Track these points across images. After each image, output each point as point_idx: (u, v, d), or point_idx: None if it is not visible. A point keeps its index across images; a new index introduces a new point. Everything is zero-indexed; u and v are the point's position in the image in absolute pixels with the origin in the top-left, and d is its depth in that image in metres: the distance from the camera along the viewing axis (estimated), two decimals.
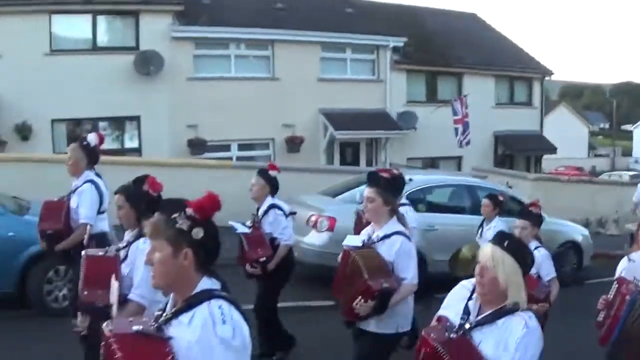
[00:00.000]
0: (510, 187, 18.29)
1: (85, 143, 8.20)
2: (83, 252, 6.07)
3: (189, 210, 3.28)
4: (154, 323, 3.24)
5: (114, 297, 5.27)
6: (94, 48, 23.42)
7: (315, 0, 28.86)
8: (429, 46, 30.58)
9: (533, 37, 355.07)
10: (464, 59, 31.30)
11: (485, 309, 4.17)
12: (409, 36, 29.04)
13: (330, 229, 12.61)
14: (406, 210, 8.65)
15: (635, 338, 6.20)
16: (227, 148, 25.62)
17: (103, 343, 3.19)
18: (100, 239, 7.69)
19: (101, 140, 8.47)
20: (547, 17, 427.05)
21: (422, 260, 12.45)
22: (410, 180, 13.28)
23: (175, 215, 3.27)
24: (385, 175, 6.53)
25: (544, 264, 8.14)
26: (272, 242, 8.76)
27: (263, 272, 8.68)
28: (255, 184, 8.92)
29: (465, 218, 13.27)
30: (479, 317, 4.16)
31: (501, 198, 11.00)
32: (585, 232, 16.67)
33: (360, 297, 5.98)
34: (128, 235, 5.96)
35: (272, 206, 8.84)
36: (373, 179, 6.47)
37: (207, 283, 3.30)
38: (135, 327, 3.19)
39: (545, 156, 37.23)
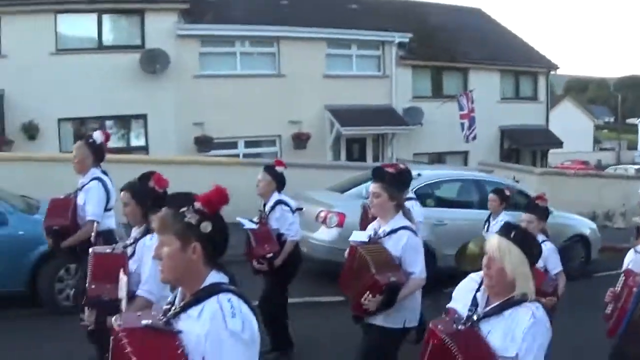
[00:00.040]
0: (517, 181, 18.28)
1: (91, 141, 8.19)
2: (90, 250, 6.09)
3: (197, 204, 3.29)
4: (162, 317, 3.25)
5: (123, 292, 5.28)
6: (100, 47, 23.46)
7: None
8: (434, 41, 30.53)
9: (537, 31, 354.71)
10: (469, 54, 31.21)
11: (493, 300, 4.17)
12: (414, 32, 28.99)
13: (340, 224, 12.62)
14: (412, 205, 8.64)
15: None
16: (233, 145, 25.61)
17: (112, 337, 3.20)
18: (107, 236, 7.72)
19: (107, 137, 8.46)
20: (551, 12, 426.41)
21: (431, 255, 12.57)
22: (419, 175, 13.32)
23: (184, 209, 3.28)
24: (390, 170, 6.54)
25: (550, 257, 8.13)
26: (278, 238, 8.77)
27: (270, 268, 8.68)
28: (261, 180, 8.93)
29: (473, 212, 13.25)
30: (487, 309, 4.16)
31: (507, 193, 10.99)
32: (593, 225, 16.64)
33: (368, 292, 5.99)
34: (135, 232, 5.97)
35: (279, 202, 8.84)
36: (378, 174, 6.49)
37: (215, 277, 3.31)
38: (144, 321, 3.21)
39: (551, 150, 37.14)
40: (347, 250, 6.59)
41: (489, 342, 4.03)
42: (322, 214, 12.99)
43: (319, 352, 9.41)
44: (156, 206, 3.65)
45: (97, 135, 8.26)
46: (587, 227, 16.19)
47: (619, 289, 6.54)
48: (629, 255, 6.91)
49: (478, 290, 4.29)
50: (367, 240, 6.42)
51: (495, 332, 4.05)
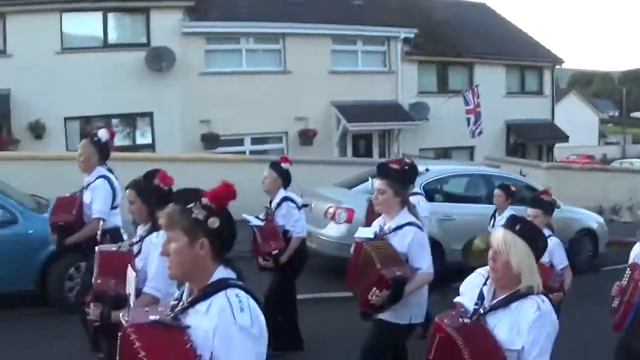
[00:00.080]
0: (523, 175, 18.28)
1: (96, 139, 8.19)
2: (96, 248, 6.08)
3: (205, 200, 3.29)
4: (170, 313, 3.25)
5: (131, 288, 5.31)
6: (105, 45, 23.50)
7: None
8: (440, 37, 30.53)
9: (541, 25, 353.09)
10: (475, 48, 31.23)
11: (500, 294, 4.17)
12: (420, 27, 28.99)
13: (349, 220, 12.61)
14: (418, 200, 8.68)
15: None
16: (240, 142, 25.63)
17: (120, 333, 3.20)
18: (114, 234, 7.74)
19: (112, 135, 8.48)
20: (554, 5, 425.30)
21: (439, 250, 12.60)
22: (427, 170, 13.36)
23: (191, 205, 3.28)
24: (395, 166, 6.56)
25: (556, 252, 8.11)
26: (284, 235, 8.78)
27: (275, 265, 8.70)
28: (267, 176, 8.93)
29: (481, 207, 13.24)
30: (493, 302, 4.16)
31: (513, 188, 11.00)
32: (600, 219, 16.65)
33: (374, 288, 6.01)
34: (141, 230, 5.96)
35: (285, 199, 8.84)
36: (383, 171, 6.51)
37: (223, 272, 3.31)
38: (152, 317, 3.21)
39: (556, 145, 37.12)
40: (353, 247, 6.60)
41: (495, 335, 4.03)
42: (331, 210, 13.01)
43: (327, 347, 9.40)
44: (162, 203, 3.62)
45: (102, 134, 8.25)
46: (594, 221, 16.21)
47: (625, 282, 6.53)
48: (635, 249, 6.89)
49: (485, 284, 4.29)
50: (372, 236, 6.43)
51: (501, 326, 4.05)
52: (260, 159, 18.30)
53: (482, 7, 37.08)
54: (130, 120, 24.21)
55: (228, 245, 3.39)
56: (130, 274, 5.35)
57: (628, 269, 6.61)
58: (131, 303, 5.21)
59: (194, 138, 23.86)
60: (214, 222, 3.26)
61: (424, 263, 6.24)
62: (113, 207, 8.09)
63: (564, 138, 35.39)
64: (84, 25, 23.52)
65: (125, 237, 7.90)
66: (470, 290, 4.39)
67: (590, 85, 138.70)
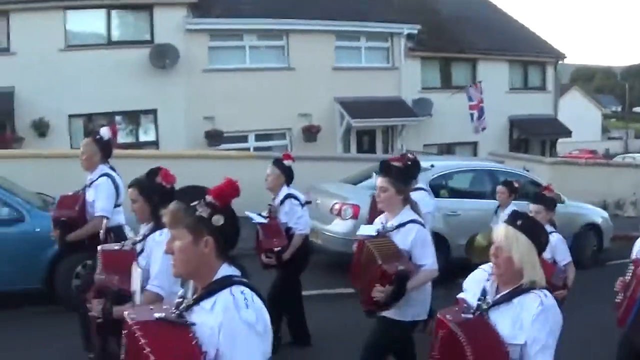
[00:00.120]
0: (527, 170, 18.31)
1: (98, 137, 8.20)
2: (99, 248, 6.11)
3: (209, 198, 3.29)
4: (175, 310, 3.25)
5: (137, 285, 5.32)
6: (109, 43, 23.48)
7: None
8: (443, 33, 30.49)
9: (543, 20, 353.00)
10: (478, 44, 31.17)
11: (503, 289, 4.19)
12: (423, 23, 28.91)
13: (355, 216, 12.62)
14: (423, 196, 8.66)
15: None
16: (244, 139, 25.61)
17: (125, 331, 3.20)
18: (117, 232, 7.72)
19: (114, 133, 8.50)
20: (556, 0, 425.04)
21: (445, 245, 12.63)
22: (432, 166, 13.38)
23: (195, 202, 3.28)
24: (397, 164, 6.57)
25: (558, 248, 8.13)
26: (287, 232, 8.79)
27: (278, 262, 8.71)
28: (270, 174, 8.95)
29: (486, 203, 13.23)
30: (496, 297, 4.18)
31: (516, 184, 11.01)
32: (605, 214, 16.71)
33: (378, 284, 6.02)
34: (144, 229, 5.95)
35: (288, 196, 8.85)
36: (385, 169, 6.51)
37: (227, 270, 3.31)
38: (156, 315, 3.21)
39: (559, 140, 37.12)
40: (355, 245, 6.64)
41: (498, 330, 4.05)
42: (337, 206, 13.03)
43: (333, 343, 9.41)
44: (164, 202, 3.61)
45: (105, 132, 8.27)
46: (599, 215, 16.26)
47: (628, 278, 6.51)
48: (637, 244, 6.84)
49: (488, 280, 4.31)
50: (375, 234, 6.43)
51: (504, 321, 4.07)
52: (264, 156, 18.26)
53: (484, 3, 36.95)
54: (134, 117, 24.18)
55: (232, 243, 3.39)
56: (135, 271, 5.37)
57: (631, 264, 6.59)
58: (137, 300, 5.24)
59: (197, 135, 23.83)
60: (218, 220, 3.27)
61: (428, 260, 6.26)
62: (116, 205, 8.11)
63: (567, 133, 35.37)
64: (88, 22, 23.53)
65: (131, 234, 7.91)
66: (473, 286, 4.42)
67: (593, 81, 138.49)
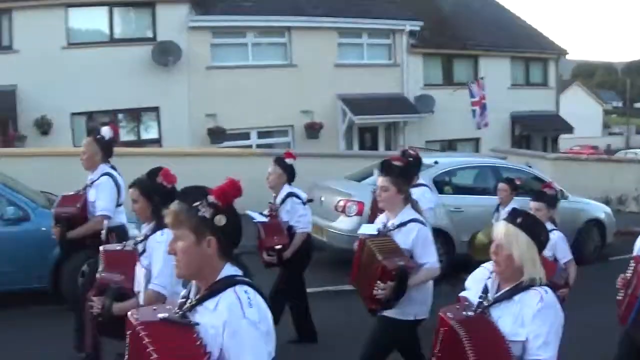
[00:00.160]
0: (529, 166, 18.30)
1: (99, 136, 8.18)
2: (101, 248, 6.14)
3: (211, 198, 3.28)
4: (178, 310, 3.26)
5: (140, 285, 5.34)
6: (112, 40, 23.52)
7: None
8: (445, 29, 30.52)
9: (544, 16, 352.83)
10: (480, 41, 31.17)
11: (504, 286, 4.19)
12: (425, 20, 28.90)
13: (359, 213, 12.59)
14: (423, 192, 8.65)
15: None
16: (246, 136, 25.62)
17: (129, 332, 3.20)
18: (119, 232, 7.74)
19: (115, 132, 8.47)
20: None
21: (449, 242, 12.64)
22: (436, 163, 13.39)
23: (197, 203, 3.27)
24: (398, 163, 6.56)
25: (559, 246, 8.08)
26: (289, 230, 8.77)
27: (279, 260, 8.69)
28: (272, 172, 8.90)
29: (490, 199, 13.20)
30: (497, 294, 4.18)
31: (518, 182, 11.00)
32: (608, 210, 16.67)
33: (378, 282, 6.02)
34: (145, 229, 5.94)
35: (290, 194, 8.82)
36: (386, 168, 6.50)
37: (230, 270, 3.31)
38: (160, 315, 3.21)
39: (560, 136, 37.11)
40: (356, 243, 6.64)
41: (499, 327, 4.05)
42: (342, 203, 13.03)
43: (337, 340, 9.38)
44: (165, 202, 3.62)
45: (106, 131, 8.24)
46: (602, 211, 16.23)
47: (630, 275, 6.49)
48: (639, 240, 6.82)
49: (489, 277, 4.32)
50: (376, 233, 6.43)
51: (505, 318, 4.07)
52: (266, 153, 18.25)
53: None
54: (136, 115, 24.19)
55: (235, 242, 3.39)
56: (140, 271, 5.40)
57: (632, 260, 6.57)
58: (140, 300, 5.26)
59: (200, 132, 23.86)
60: (220, 220, 3.25)
61: (430, 258, 6.26)
62: (118, 205, 8.10)
63: (569, 129, 35.38)
64: (90, 20, 23.58)
65: (136, 232, 7.91)
66: (475, 284, 4.42)
67: (594, 77, 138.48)
